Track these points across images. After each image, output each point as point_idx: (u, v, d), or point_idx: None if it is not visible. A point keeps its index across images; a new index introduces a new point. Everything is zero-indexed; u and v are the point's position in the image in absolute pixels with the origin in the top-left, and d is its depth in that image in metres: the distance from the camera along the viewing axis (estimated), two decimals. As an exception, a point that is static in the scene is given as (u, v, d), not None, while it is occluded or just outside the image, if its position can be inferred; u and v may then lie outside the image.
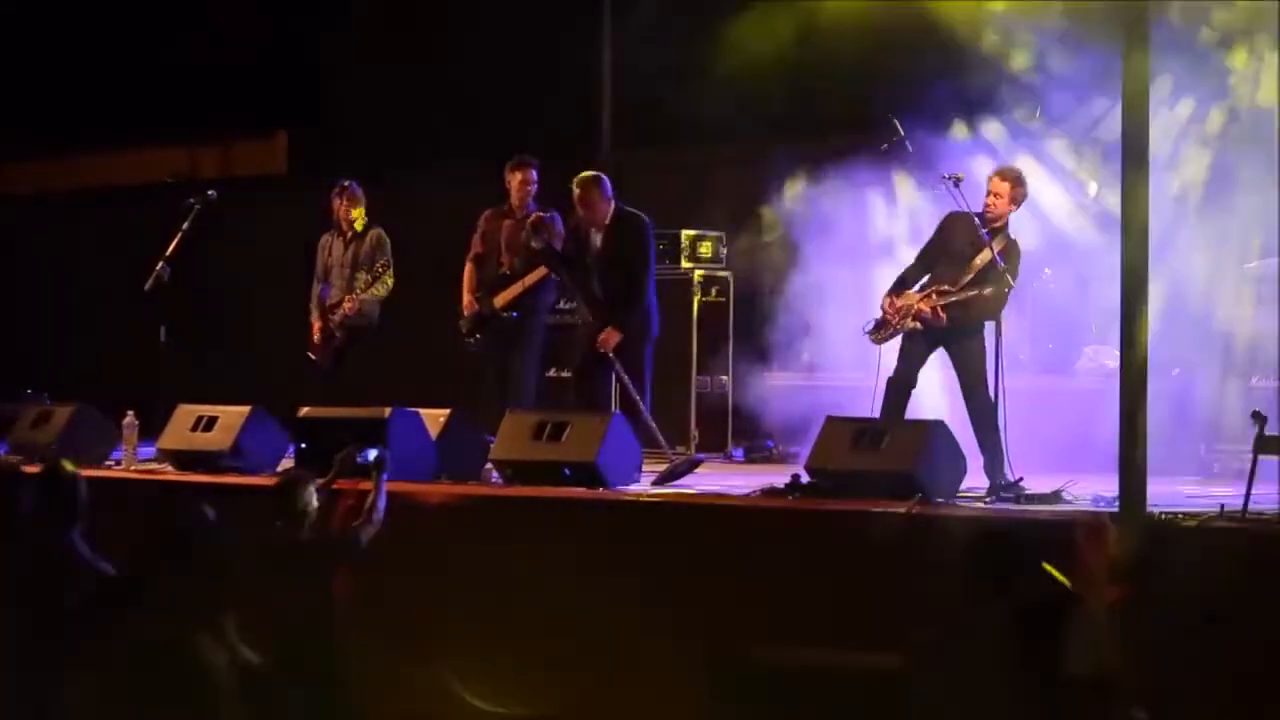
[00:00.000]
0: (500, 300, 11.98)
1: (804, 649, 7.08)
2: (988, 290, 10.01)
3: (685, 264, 13.73)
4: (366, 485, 8.58)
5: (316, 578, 8.00)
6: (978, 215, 10.18)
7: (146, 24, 16.95)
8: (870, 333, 10.47)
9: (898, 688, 6.29)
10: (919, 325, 10.17)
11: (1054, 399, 11.61)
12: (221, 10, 16.44)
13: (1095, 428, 10.20)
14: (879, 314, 10.39)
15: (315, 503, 8.14)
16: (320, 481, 8.46)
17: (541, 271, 11.81)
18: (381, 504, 8.38)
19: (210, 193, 12.46)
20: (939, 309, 10.09)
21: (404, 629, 9.30)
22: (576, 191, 11.40)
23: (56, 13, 17.59)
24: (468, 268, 12.19)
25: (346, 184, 12.48)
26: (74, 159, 18.12)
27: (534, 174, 12.05)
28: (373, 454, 8.59)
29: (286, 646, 7.85)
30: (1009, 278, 9.97)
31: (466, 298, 12.15)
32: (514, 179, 12.07)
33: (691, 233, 13.78)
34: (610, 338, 11.19)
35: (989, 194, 10.21)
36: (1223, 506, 8.48)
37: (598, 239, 11.41)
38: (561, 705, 9.10)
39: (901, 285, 10.40)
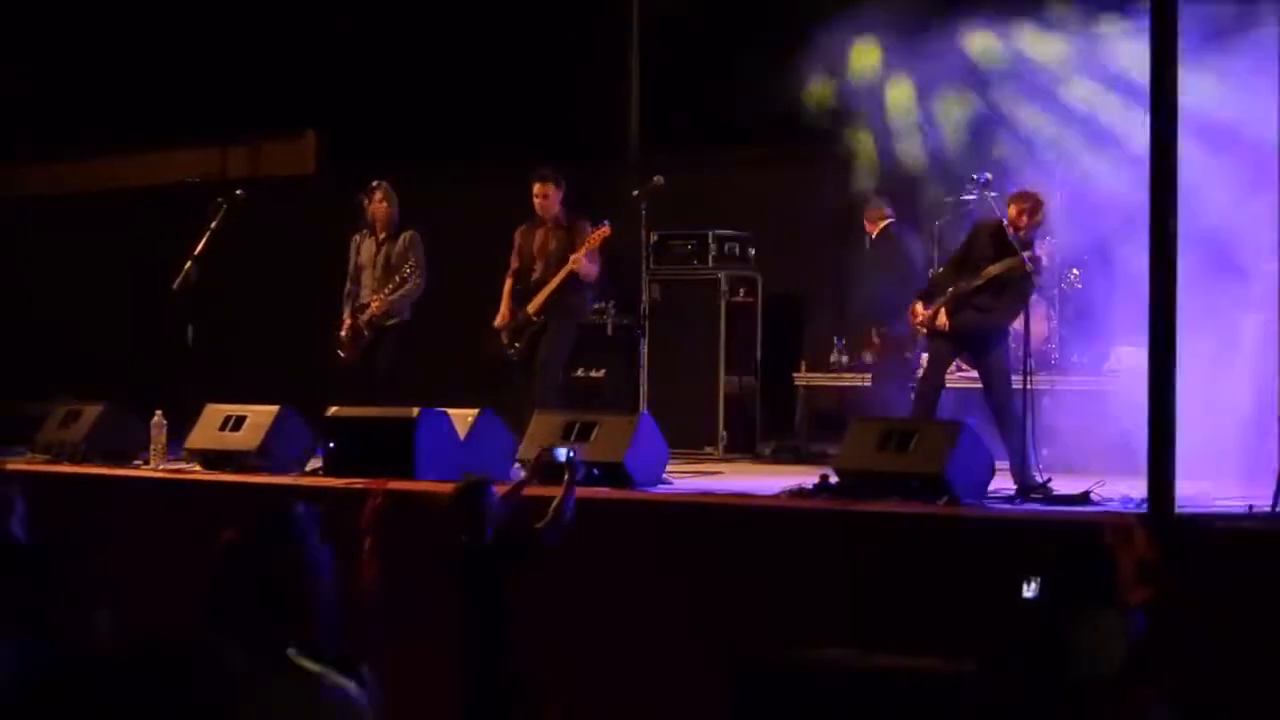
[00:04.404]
0: (532, 307, 12.03)
1: (828, 650, 7.05)
2: (997, 300, 10.05)
3: (713, 265, 13.72)
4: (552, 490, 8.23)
5: (494, 583, 7.76)
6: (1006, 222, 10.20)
7: (175, 23, 16.97)
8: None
9: (922, 690, 6.27)
10: (925, 331, 10.24)
11: (1082, 400, 11.56)
12: (248, 9, 16.46)
13: (1124, 429, 10.16)
14: (907, 319, 10.46)
15: (495, 507, 7.90)
16: (510, 486, 8.37)
17: (568, 271, 11.85)
18: (569, 507, 8.05)
19: (239, 192, 12.46)
20: (946, 316, 10.14)
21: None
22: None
23: (80, 14, 17.63)
24: (507, 282, 12.24)
25: (379, 184, 12.49)
26: (103, 159, 18.16)
27: (552, 188, 12.09)
28: (563, 454, 8.32)
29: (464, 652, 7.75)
30: (1034, 278, 9.95)
31: (504, 308, 12.19)
32: (532, 190, 12.14)
33: (719, 233, 13.77)
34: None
35: (1009, 217, 10.23)
36: (1251, 507, 8.47)
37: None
38: (582, 704, 9.09)
39: (929, 291, 10.41)
